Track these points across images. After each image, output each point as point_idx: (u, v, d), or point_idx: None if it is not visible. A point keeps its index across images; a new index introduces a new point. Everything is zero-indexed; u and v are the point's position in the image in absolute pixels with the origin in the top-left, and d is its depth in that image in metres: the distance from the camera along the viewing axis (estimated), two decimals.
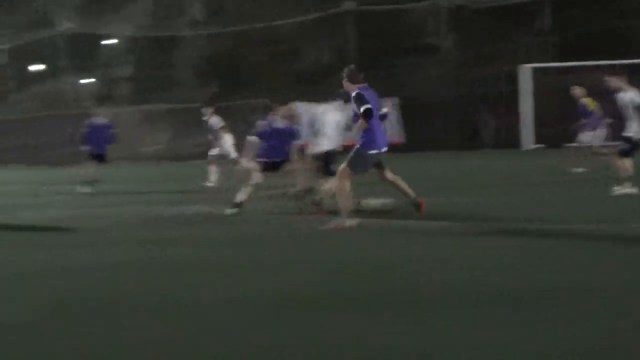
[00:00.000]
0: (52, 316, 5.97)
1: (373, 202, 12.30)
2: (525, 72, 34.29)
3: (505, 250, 8.27)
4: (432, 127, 34.00)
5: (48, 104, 41.31)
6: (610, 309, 5.61)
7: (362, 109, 10.14)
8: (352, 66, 10.93)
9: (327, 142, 13.04)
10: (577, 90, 20.06)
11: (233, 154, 19.90)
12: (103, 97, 43.19)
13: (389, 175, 11.01)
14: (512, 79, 35.09)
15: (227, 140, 20.16)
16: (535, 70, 35.34)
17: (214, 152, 20.23)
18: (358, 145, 10.48)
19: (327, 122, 13.11)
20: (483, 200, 13.90)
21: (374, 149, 10.52)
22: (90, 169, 19.10)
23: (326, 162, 13.03)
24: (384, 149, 10.63)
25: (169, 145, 37.15)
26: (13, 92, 45.54)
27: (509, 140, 35.94)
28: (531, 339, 4.92)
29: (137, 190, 19.28)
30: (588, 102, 19.62)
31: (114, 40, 42.46)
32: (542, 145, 33.81)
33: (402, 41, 38.24)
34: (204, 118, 20.75)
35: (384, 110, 10.87)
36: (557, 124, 35.87)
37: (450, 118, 36.18)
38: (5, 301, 6.62)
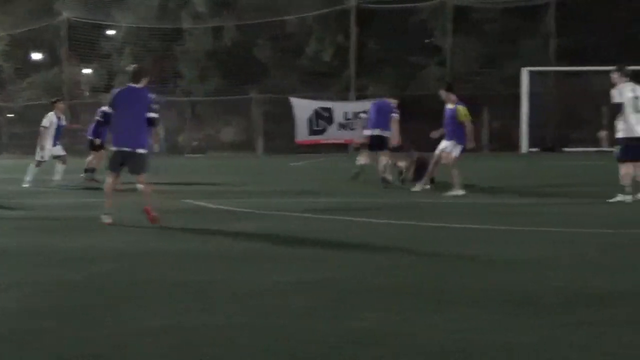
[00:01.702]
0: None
1: None
2: (529, 75, 34.34)
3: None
4: (434, 128, 33.90)
5: (48, 93, 41.27)
6: None
7: None
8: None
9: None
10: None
11: None
12: (103, 87, 43.18)
13: None
14: (515, 82, 35.12)
15: None
16: (538, 73, 35.40)
17: None
18: None
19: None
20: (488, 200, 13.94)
21: None
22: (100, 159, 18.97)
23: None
24: None
25: (167, 138, 37.08)
26: (12, 80, 45.48)
27: (508, 142, 36.01)
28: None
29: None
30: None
31: (116, 31, 42.44)
32: (537, 149, 33.98)
33: (406, 40, 38.22)
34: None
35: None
36: (556, 128, 36.03)
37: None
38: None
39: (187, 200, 14.41)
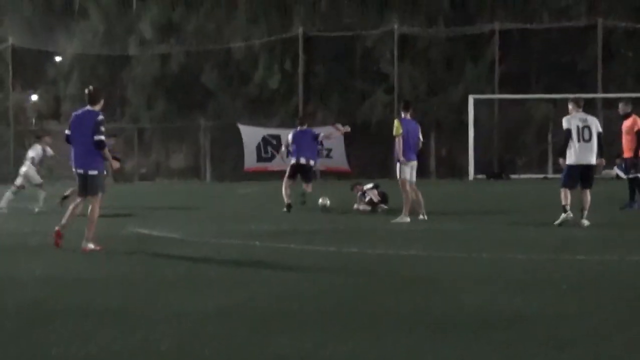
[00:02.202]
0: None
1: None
2: (474, 103, 34.74)
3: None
4: (380, 154, 34.17)
5: None
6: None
7: None
8: None
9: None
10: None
11: None
12: (50, 114, 42.82)
13: None
14: (460, 109, 35.51)
15: None
16: (482, 100, 35.84)
17: None
18: None
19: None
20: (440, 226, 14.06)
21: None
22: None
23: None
24: None
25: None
26: None
27: (455, 169, 36.35)
28: None
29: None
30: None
31: (62, 57, 42.13)
32: (484, 176, 34.31)
33: (352, 67, 38.51)
34: None
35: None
36: (502, 155, 36.46)
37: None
38: None
39: (131, 227, 14.35)
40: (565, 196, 13.90)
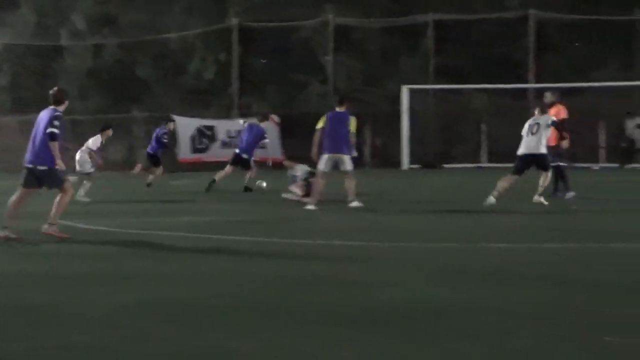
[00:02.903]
0: None
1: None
2: (408, 93, 34.94)
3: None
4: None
5: None
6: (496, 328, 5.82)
7: None
8: None
9: None
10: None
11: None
12: None
13: None
14: (396, 99, 35.66)
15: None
16: (418, 91, 36.06)
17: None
18: None
19: None
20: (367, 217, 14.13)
21: None
22: None
23: None
24: None
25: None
26: None
27: (390, 159, 36.51)
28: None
29: None
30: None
31: None
32: (419, 166, 34.57)
33: (288, 58, 38.45)
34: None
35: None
36: (436, 145, 36.77)
37: None
38: None
39: (59, 221, 14.17)
40: (504, 184, 15.72)
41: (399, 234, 11.84)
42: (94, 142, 20.40)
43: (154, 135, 25.34)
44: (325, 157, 15.98)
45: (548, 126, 16.12)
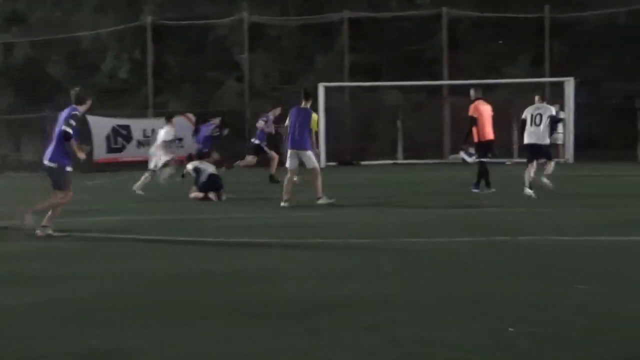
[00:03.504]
0: None
1: None
2: (324, 91, 35.04)
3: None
4: (232, 143, 34.06)
5: None
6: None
7: None
8: None
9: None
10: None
11: None
12: None
13: None
14: (313, 97, 35.73)
15: None
16: (333, 88, 36.19)
17: None
18: None
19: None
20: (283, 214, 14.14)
21: None
22: None
23: None
24: None
25: None
26: None
27: None
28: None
29: None
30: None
31: None
32: (336, 163, 34.69)
33: (204, 56, 38.22)
34: None
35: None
36: (353, 142, 36.98)
37: (251, 134, 36.42)
38: None
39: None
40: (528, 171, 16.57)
41: (309, 230, 11.88)
42: (166, 134, 20.89)
43: (201, 135, 25.64)
44: (288, 153, 16.03)
45: (548, 118, 16.86)
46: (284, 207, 15.30)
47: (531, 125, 16.82)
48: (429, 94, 37.42)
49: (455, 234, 10.95)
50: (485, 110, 18.09)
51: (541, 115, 16.86)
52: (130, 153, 34.62)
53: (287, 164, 16.12)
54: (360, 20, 37.09)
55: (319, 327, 5.81)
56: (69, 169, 11.88)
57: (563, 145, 33.03)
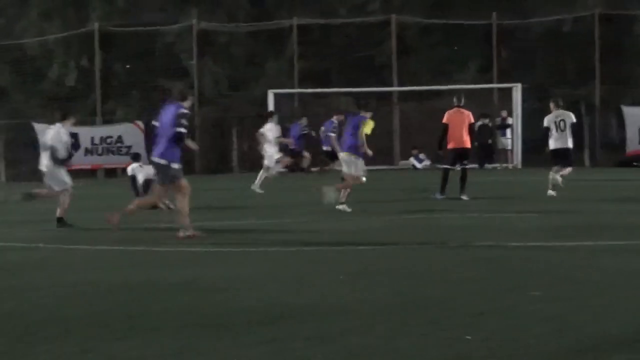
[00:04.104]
0: None
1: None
2: (274, 97, 34.98)
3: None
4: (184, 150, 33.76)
5: None
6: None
7: None
8: None
9: None
10: None
11: None
12: None
13: None
14: (262, 104, 35.66)
15: None
16: (283, 95, 36.15)
17: None
18: None
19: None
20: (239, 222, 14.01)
21: None
22: None
23: None
24: None
25: None
26: None
27: (257, 164, 36.50)
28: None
29: None
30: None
31: None
32: (286, 169, 34.61)
33: (153, 63, 37.96)
34: None
35: None
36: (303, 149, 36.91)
37: (200, 141, 36.20)
38: None
39: None
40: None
41: (264, 237, 11.81)
42: (271, 131, 22.39)
43: (292, 135, 28.62)
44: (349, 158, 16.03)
45: (571, 123, 18.08)
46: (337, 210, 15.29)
47: (557, 131, 18.01)
48: (379, 100, 37.53)
49: (409, 240, 10.96)
50: (457, 118, 18.06)
51: (564, 121, 18.06)
52: (78, 161, 34.21)
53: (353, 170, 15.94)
54: (310, 27, 37.11)
55: (275, 337, 5.74)
56: (175, 166, 11.93)
57: (511, 150, 33.34)
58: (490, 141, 32.80)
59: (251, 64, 37.98)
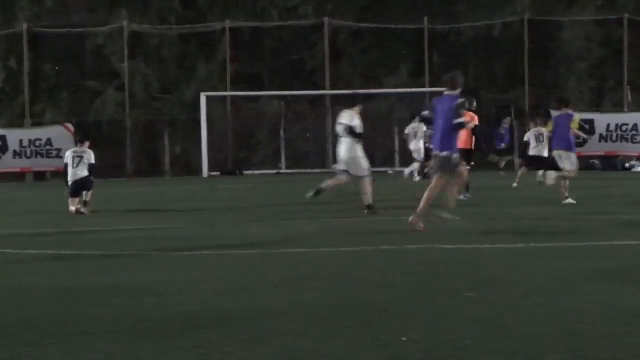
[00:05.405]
0: None
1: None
2: (206, 100, 34.83)
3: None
4: (112, 154, 33.44)
5: None
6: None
7: None
8: None
9: None
10: None
11: None
12: None
13: None
14: (194, 107, 35.47)
15: None
16: (215, 98, 36.01)
17: None
18: None
19: None
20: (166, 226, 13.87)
21: None
22: None
23: None
24: None
25: None
26: None
27: (190, 167, 36.30)
28: None
29: None
30: None
31: None
32: (219, 173, 34.48)
33: (82, 65, 37.50)
34: None
35: None
36: (236, 152, 36.83)
37: (132, 144, 35.87)
38: None
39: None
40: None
41: (197, 242, 11.70)
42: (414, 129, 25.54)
43: (503, 134, 29.53)
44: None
45: (547, 136, 20.59)
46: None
47: (536, 142, 21.65)
48: (311, 104, 37.63)
49: (343, 243, 10.97)
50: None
51: (542, 135, 21.49)
52: (6, 164, 33.60)
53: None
54: (242, 30, 37.02)
55: (208, 341, 5.68)
56: (455, 155, 12.31)
57: None
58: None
59: (183, 66, 37.74)
